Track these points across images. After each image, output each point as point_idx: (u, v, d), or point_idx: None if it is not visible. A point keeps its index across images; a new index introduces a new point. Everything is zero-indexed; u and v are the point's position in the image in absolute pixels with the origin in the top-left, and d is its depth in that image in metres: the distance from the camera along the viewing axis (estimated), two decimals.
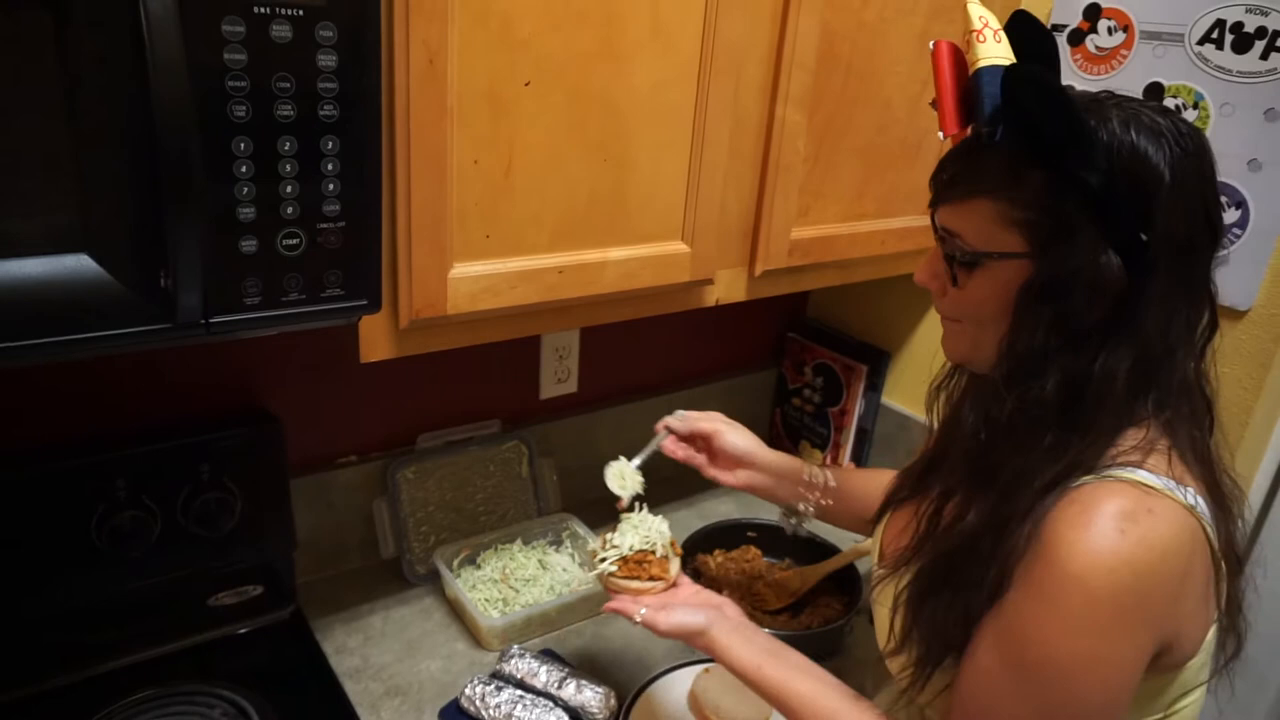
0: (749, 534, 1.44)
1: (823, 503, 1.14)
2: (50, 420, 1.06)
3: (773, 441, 1.84)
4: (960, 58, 0.77)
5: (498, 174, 0.90)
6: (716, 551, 1.41)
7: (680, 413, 1.13)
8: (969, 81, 0.76)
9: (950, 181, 0.78)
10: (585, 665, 1.19)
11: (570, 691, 1.08)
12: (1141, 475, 0.69)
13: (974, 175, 0.76)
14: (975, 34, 0.75)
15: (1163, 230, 0.68)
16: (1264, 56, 1.11)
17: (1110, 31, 1.26)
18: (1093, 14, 1.27)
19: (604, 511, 1.51)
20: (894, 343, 1.67)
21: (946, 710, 0.76)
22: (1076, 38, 1.30)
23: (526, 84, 0.88)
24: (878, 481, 1.13)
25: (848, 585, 1.33)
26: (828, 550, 1.38)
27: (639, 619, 0.93)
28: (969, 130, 0.78)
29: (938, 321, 1.59)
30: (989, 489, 0.74)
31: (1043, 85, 0.69)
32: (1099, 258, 0.69)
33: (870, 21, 1.16)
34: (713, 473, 1.13)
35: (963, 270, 0.78)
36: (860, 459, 1.70)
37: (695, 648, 0.92)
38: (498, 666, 1.13)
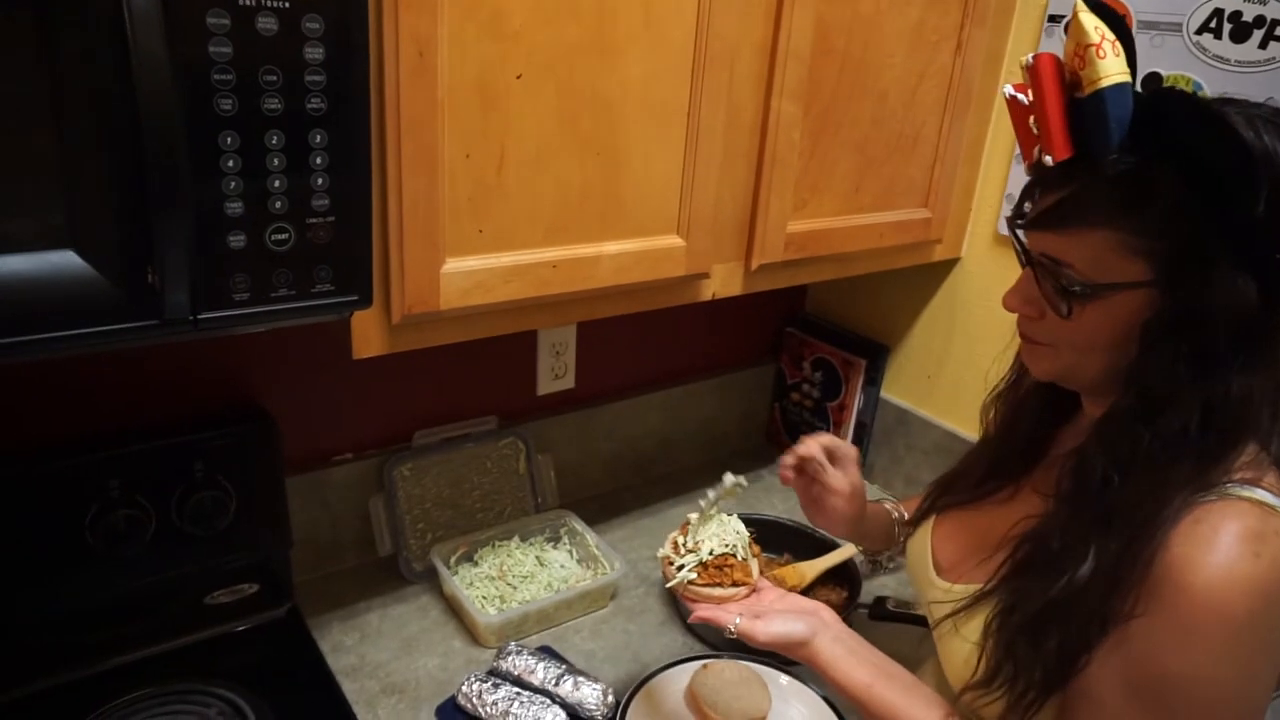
0: (749, 530, 1.43)
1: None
2: (42, 419, 1.06)
3: (771, 437, 1.84)
4: (1063, 72, 0.70)
5: (490, 168, 0.89)
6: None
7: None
8: (1085, 100, 0.69)
9: (1058, 210, 0.73)
10: (582, 662, 1.19)
11: (568, 688, 1.07)
12: (1260, 494, 0.67)
13: (1088, 203, 0.70)
14: (1094, 48, 0.67)
15: None
16: (1263, 45, 1.10)
17: None
18: (1092, 2, 1.26)
19: (602, 507, 1.52)
20: (893, 337, 1.66)
21: None
22: None
23: (518, 77, 0.87)
24: None
25: (846, 579, 1.33)
26: (826, 545, 1.37)
27: (734, 629, 0.84)
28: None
29: (936, 315, 1.61)
30: (1114, 527, 0.70)
31: (1207, 113, 0.64)
32: (1235, 284, 0.65)
33: (866, 13, 1.15)
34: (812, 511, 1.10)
35: (1077, 302, 0.73)
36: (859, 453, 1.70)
37: (794, 659, 0.86)
38: (495, 663, 1.13)
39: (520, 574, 1.31)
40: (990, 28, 1.32)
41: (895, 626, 1.26)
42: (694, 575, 0.88)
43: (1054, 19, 1.31)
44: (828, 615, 0.87)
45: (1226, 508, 0.66)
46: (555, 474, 1.50)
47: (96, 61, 0.61)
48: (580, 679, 1.08)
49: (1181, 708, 0.66)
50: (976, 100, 1.36)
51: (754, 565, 0.91)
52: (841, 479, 1.03)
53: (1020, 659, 0.73)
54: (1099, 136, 0.68)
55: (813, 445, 1.03)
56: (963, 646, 0.81)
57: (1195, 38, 1.16)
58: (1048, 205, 0.73)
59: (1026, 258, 0.78)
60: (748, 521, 1.41)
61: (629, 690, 1.10)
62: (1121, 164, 0.68)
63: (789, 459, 1.04)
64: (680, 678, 1.13)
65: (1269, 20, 1.09)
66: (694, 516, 0.94)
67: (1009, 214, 0.79)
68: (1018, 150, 1.38)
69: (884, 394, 1.68)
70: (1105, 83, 0.67)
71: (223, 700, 1.05)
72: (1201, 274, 0.66)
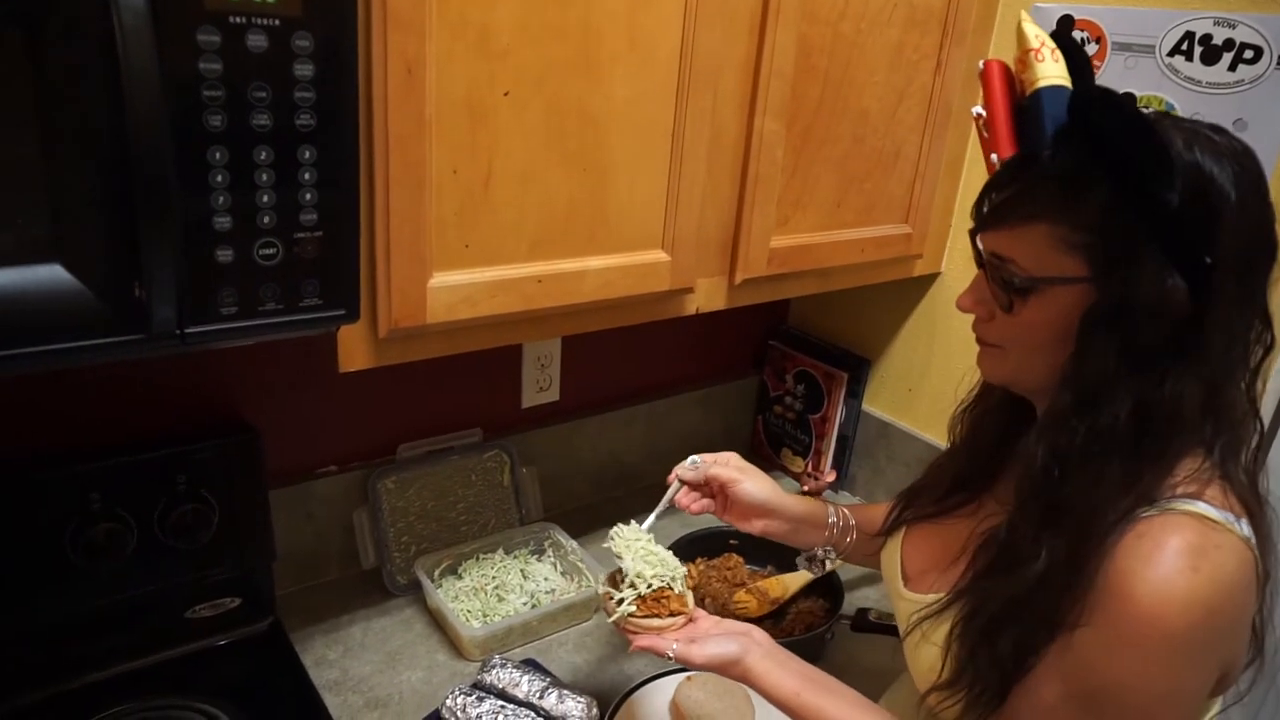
0: (731, 541, 1.44)
1: (847, 542, 1.11)
2: (23, 431, 1.05)
3: (754, 449, 1.85)
4: (1011, 78, 0.75)
5: (476, 184, 0.90)
6: (699, 559, 1.41)
7: (694, 459, 1.07)
8: (1026, 102, 0.73)
9: (1002, 206, 0.76)
10: (567, 675, 1.19)
11: (552, 701, 1.07)
12: (1202, 508, 0.69)
13: (1029, 199, 0.74)
14: (1033, 53, 0.72)
15: (1227, 251, 0.68)
16: (1232, 68, 1.13)
17: (1083, 43, 1.28)
18: (1066, 26, 1.29)
19: (586, 520, 1.52)
20: (874, 350, 1.68)
21: None
22: None
23: (505, 94, 0.88)
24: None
25: (829, 591, 1.34)
26: None
27: (672, 654, 0.88)
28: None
29: (916, 329, 1.63)
30: (1060, 524, 0.72)
31: (1120, 107, 0.67)
32: (1165, 281, 0.67)
33: (846, 33, 1.17)
34: (728, 518, 1.09)
35: (1018, 296, 0.76)
36: (841, 466, 1.71)
37: (730, 678, 0.89)
38: (479, 677, 1.13)
39: (504, 587, 1.31)
40: (969, 47, 1.35)
41: (877, 638, 1.27)
42: (633, 608, 0.92)
43: None
44: (759, 635, 0.90)
45: (1168, 522, 0.68)
46: (539, 486, 1.51)
47: (87, 77, 0.61)
48: (565, 692, 1.09)
49: (1116, 711, 0.68)
50: (956, 118, 1.38)
51: (689, 596, 0.96)
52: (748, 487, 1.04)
53: (980, 661, 0.75)
54: (1036, 134, 0.72)
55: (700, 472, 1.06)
56: (930, 651, 0.83)
57: (1167, 60, 1.19)
58: (995, 204, 0.77)
59: (979, 259, 0.81)
60: (732, 534, 1.44)
61: (613, 703, 1.10)
62: (1060, 162, 0.71)
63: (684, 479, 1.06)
64: (664, 690, 1.13)
65: (1238, 44, 1.12)
66: (624, 551, 0.97)
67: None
68: None
69: (865, 407, 1.70)
70: (1042, 84, 0.72)
71: (204, 715, 1.04)
72: (1130, 270, 0.69)
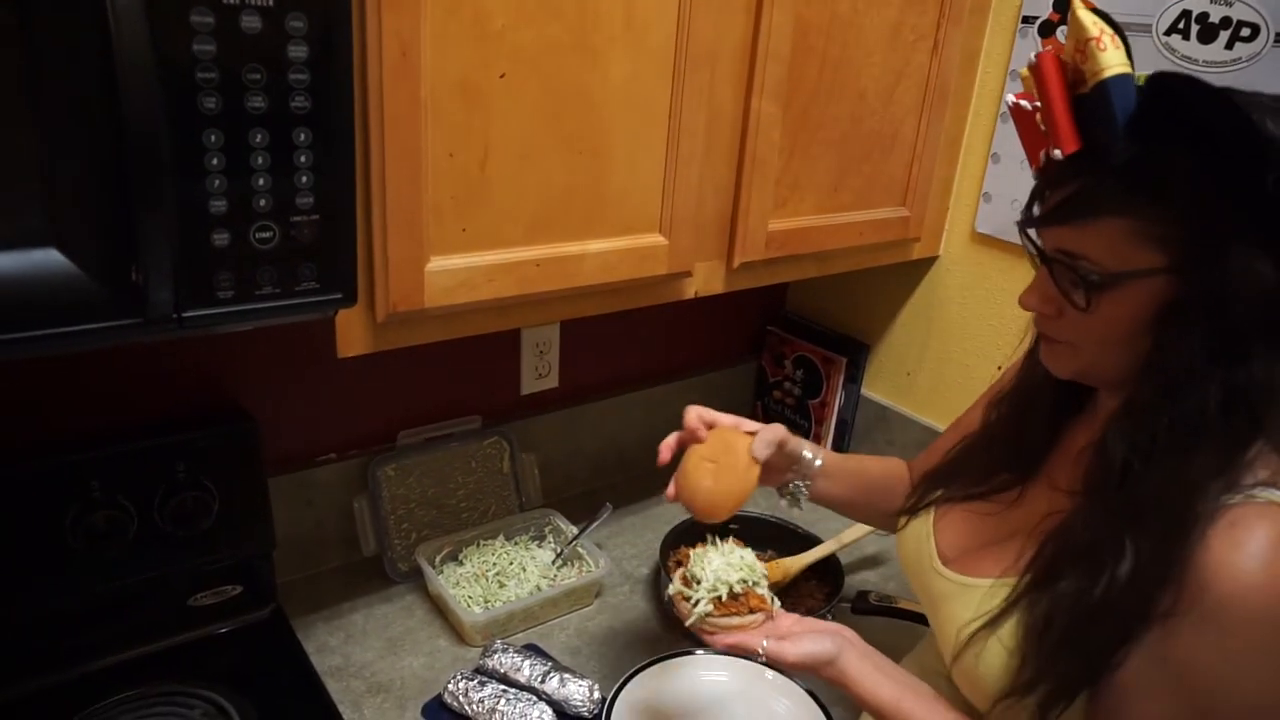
0: (731, 526, 1.43)
1: (811, 484, 1.14)
2: (22, 419, 1.05)
3: None
4: (1065, 70, 0.72)
5: (473, 167, 0.89)
6: (699, 544, 1.41)
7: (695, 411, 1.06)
8: (1090, 93, 0.69)
9: (1069, 202, 0.73)
10: (568, 659, 1.19)
11: (554, 685, 1.08)
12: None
13: (1099, 194, 0.71)
14: (1094, 41, 0.68)
15: None
16: (1229, 46, 1.13)
17: None
18: (1062, 5, 1.29)
19: (585, 506, 1.52)
20: (873, 335, 1.68)
21: None
22: (1047, 29, 1.31)
23: (501, 76, 0.88)
24: (881, 468, 1.16)
25: (829, 575, 1.34)
26: (810, 541, 1.39)
27: (762, 652, 0.85)
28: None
29: (915, 313, 1.63)
30: (1144, 520, 0.70)
31: (1208, 87, 0.64)
32: (1253, 265, 0.66)
33: (844, 13, 1.17)
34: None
35: (1095, 293, 0.73)
36: (841, 450, 1.71)
37: (823, 679, 0.85)
38: (481, 661, 1.13)
39: (505, 573, 1.31)
40: (966, 27, 1.34)
41: (878, 620, 1.28)
42: (709, 608, 0.88)
43: (1028, 20, 1.33)
44: (850, 634, 0.87)
45: (1256, 511, 0.67)
46: (539, 473, 1.51)
47: (80, 59, 0.61)
48: (566, 676, 1.09)
49: (1220, 707, 0.67)
50: (954, 99, 1.38)
51: (768, 593, 0.91)
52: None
53: (1066, 665, 0.73)
54: (1105, 127, 0.69)
55: (691, 416, 1.05)
56: (997, 650, 0.79)
57: (1164, 38, 1.19)
58: (1058, 201, 0.74)
59: (1041, 256, 0.77)
60: (732, 519, 1.44)
61: (615, 686, 1.10)
62: (1129, 152, 0.69)
63: (670, 439, 1.05)
64: (666, 673, 1.14)
65: (1235, 21, 1.12)
66: (698, 550, 0.95)
67: (1018, 218, 0.79)
68: (994, 150, 1.41)
69: (865, 391, 1.70)
70: (1107, 74, 0.68)
71: (206, 702, 1.04)
72: (1216, 257, 0.67)
